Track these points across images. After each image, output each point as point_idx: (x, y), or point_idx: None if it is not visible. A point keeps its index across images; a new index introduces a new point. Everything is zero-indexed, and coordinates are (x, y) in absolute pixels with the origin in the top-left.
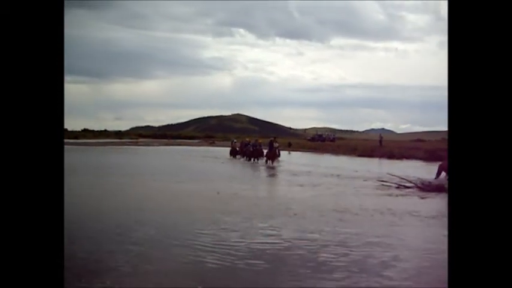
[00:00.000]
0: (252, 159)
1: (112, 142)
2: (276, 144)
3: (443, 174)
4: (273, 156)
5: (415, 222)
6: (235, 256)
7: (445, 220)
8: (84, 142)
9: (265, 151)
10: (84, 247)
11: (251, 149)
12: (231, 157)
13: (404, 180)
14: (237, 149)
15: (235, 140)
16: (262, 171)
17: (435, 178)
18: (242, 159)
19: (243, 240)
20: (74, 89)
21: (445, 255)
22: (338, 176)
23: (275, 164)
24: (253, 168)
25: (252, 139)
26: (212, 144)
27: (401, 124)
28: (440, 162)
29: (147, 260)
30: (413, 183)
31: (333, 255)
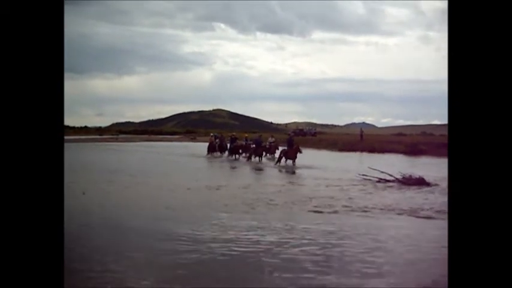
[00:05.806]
0: (258, 158)
1: (93, 139)
2: (272, 139)
3: None
4: (293, 154)
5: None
6: None
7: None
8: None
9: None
10: None
11: (253, 146)
12: (209, 154)
13: (385, 174)
14: (216, 144)
15: (212, 134)
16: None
17: None
18: (224, 157)
19: None
20: None
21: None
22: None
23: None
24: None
25: (239, 134)
26: (193, 139)
27: (382, 118)
28: None
29: None
30: (394, 177)
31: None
